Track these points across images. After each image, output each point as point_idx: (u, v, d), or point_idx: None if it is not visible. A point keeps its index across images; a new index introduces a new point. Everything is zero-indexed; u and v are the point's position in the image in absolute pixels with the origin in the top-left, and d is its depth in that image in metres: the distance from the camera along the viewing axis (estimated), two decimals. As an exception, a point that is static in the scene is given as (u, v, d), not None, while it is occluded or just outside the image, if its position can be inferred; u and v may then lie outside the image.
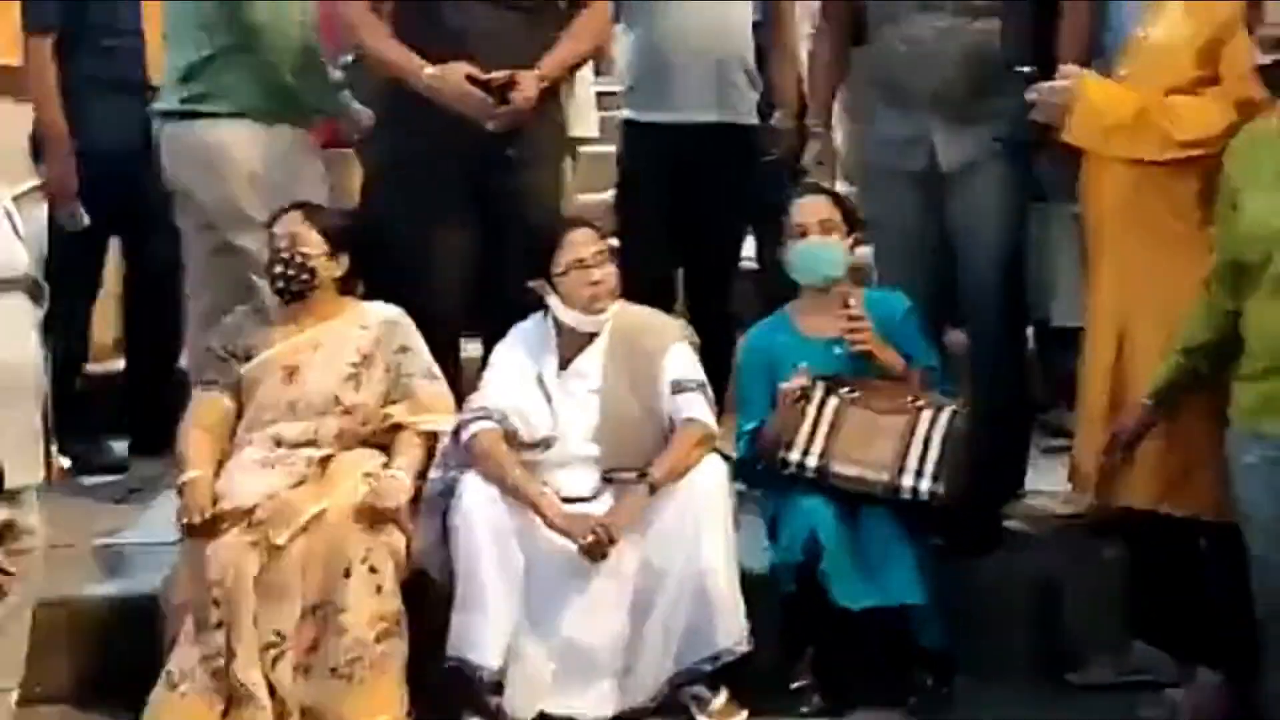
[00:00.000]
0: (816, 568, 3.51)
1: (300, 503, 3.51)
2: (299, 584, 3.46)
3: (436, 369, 3.82)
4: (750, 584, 3.62)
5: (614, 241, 3.78)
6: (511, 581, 3.55)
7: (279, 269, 3.78)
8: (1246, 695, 3.43)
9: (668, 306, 4.46)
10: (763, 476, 3.81)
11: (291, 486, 3.55)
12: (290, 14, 4.14)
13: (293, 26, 4.15)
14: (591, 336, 3.80)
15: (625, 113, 4.70)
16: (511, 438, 3.69)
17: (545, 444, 3.70)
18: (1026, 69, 3.69)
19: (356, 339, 3.80)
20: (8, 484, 3.09)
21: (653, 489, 3.58)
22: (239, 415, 3.75)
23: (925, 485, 3.63)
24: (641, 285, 4.33)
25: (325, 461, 3.66)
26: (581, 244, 3.77)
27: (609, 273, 3.77)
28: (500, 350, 3.85)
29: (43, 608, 3.62)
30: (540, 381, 3.79)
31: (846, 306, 3.72)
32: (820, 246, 3.81)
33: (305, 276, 3.79)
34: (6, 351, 3.05)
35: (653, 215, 4.52)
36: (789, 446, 3.67)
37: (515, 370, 3.80)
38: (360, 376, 3.76)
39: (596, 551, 3.53)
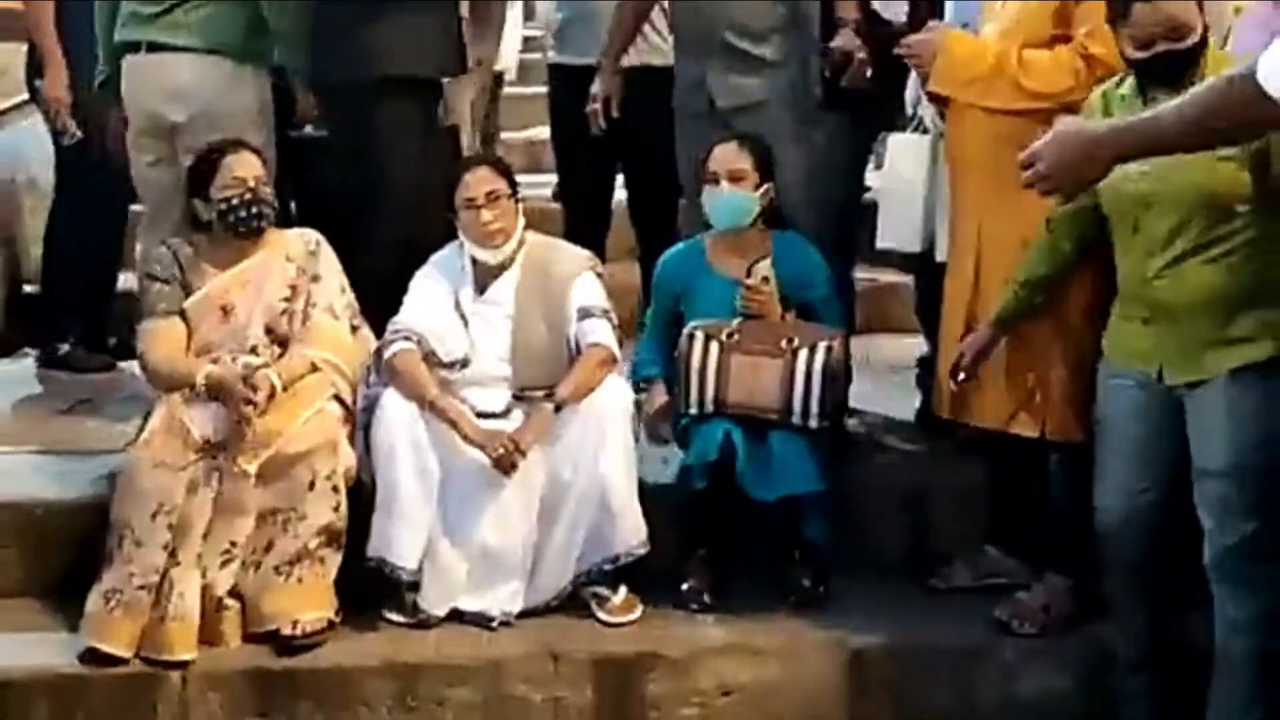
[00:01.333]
0: (728, 467, 3.67)
1: (267, 433, 3.63)
2: (256, 499, 3.61)
3: (343, 303, 3.89)
4: (647, 493, 3.79)
5: (499, 183, 3.89)
6: (428, 489, 3.67)
7: (241, 210, 3.78)
8: (1088, 595, 3.65)
9: (603, 233, 4.87)
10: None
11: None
12: None
13: None
14: (504, 266, 3.91)
15: (552, 56, 5.06)
16: (429, 358, 3.81)
17: (461, 363, 3.83)
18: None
19: (283, 272, 3.86)
20: None
21: (558, 407, 3.72)
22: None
23: (813, 423, 3.78)
24: (579, 214, 4.87)
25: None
26: (474, 184, 3.85)
27: (501, 212, 3.84)
28: (419, 277, 3.95)
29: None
30: (457, 306, 3.90)
31: (748, 282, 3.81)
32: (728, 195, 3.89)
33: (265, 214, 3.83)
34: None
35: (583, 153, 4.83)
36: (686, 403, 3.82)
37: (433, 295, 3.90)
38: (291, 310, 3.85)
39: (506, 464, 3.67)
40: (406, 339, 3.82)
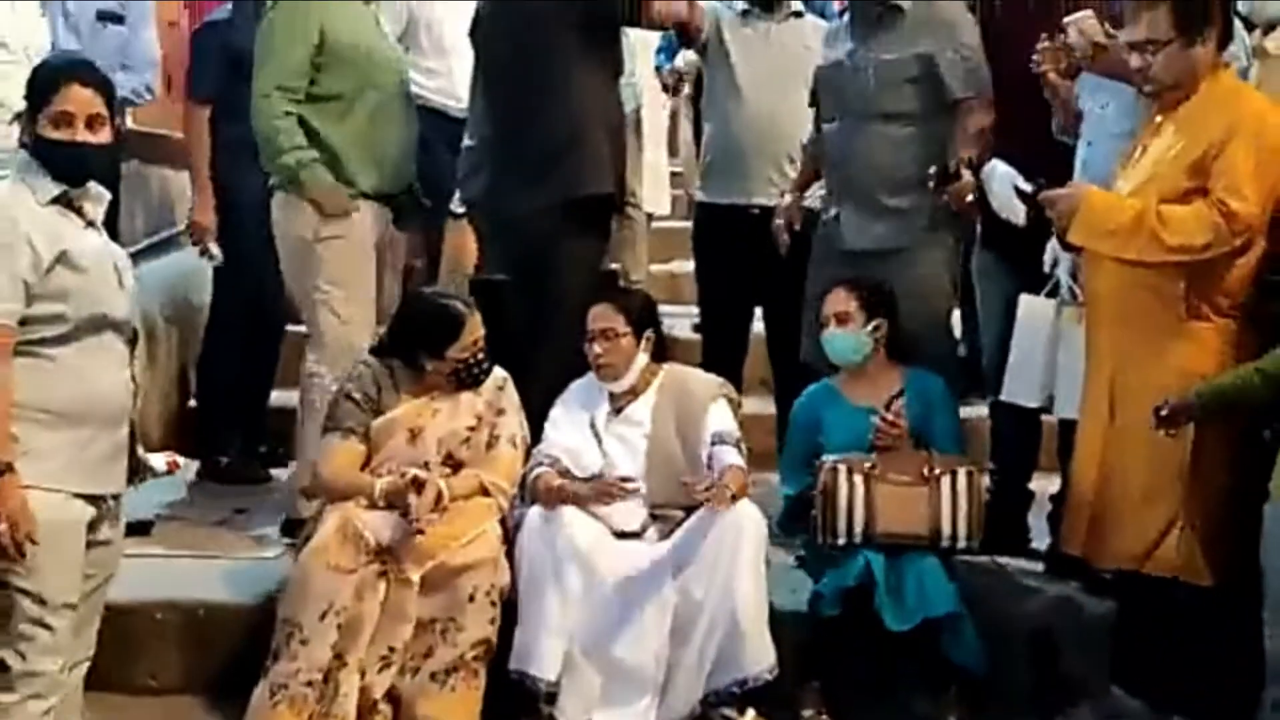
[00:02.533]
0: (863, 597, 3.72)
1: (433, 544, 3.72)
2: (418, 607, 3.70)
3: (520, 435, 3.99)
4: (774, 619, 3.81)
5: (615, 321, 3.98)
6: (568, 602, 3.75)
7: (475, 369, 3.92)
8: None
9: (739, 365, 4.91)
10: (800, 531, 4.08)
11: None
12: None
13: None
14: (637, 390, 4.01)
15: (699, 195, 5.15)
16: (565, 475, 3.92)
17: (596, 478, 3.90)
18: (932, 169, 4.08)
19: (471, 404, 3.98)
20: (98, 491, 3.20)
21: (732, 494, 3.74)
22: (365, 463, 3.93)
23: (961, 544, 3.90)
24: (717, 346, 4.95)
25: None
26: (593, 318, 4.00)
27: (611, 348, 3.96)
28: (558, 403, 4.08)
29: (161, 609, 4.01)
30: (592, 425, 4.00)
31: (887, 417, 3.91)
32: (837, 338, 4.05)
33: (488, 372, 3.98)
34: (103, 384, 3.16)
35: (725, 287, 4.98)
36: (833, 534, 3.88)
37: (567, 419, 4.03)
38: (472, 439, 3.96)
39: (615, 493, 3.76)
40: (540, 464, 3.94)
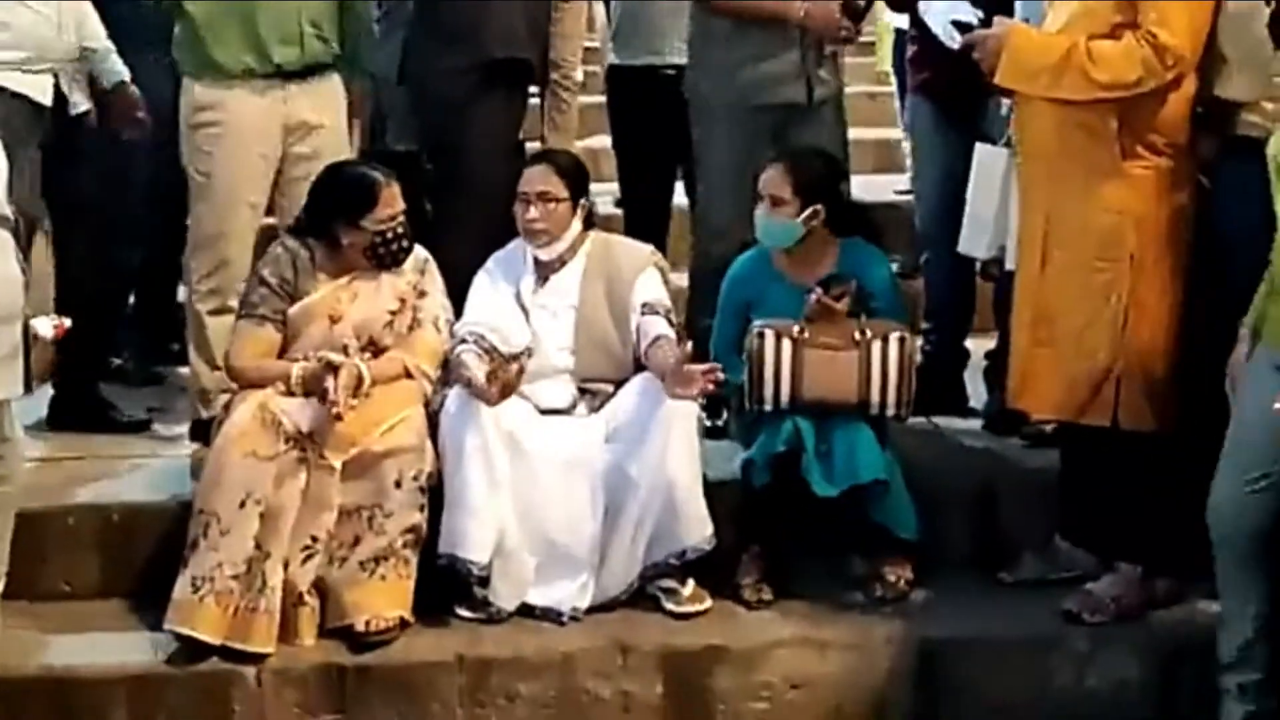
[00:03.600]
0: (793, 462, 3.66)
1: (354, 430, 3.64)
2: (339, 495, 3.62)
3: (444, 317, 3.90)
4: (710, 489, 3.76)
5: (553, 184, 3.88)
6: (496, 483, 3.67)
7: (394, 244, 3.80)
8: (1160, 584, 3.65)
9: (662, 238, 4.78)
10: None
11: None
12: None
13: None
14: (565, 259, 3.91)
15: (610, 58, 5.01)
16: (491, 352, 3.80)
17: (525, 354, 3.78)
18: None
19: (392, 286, 3.88)
20: None
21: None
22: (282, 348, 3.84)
23: (890, 411, 3.81)
24: (640, 219, 4.82)
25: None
26: (529, 178, 3.88)
27: (545, 213, 3.84)
28: (480, 274, 3.96)
29: (73, 512, 3.90)
30: (519, 298, 3.90)
31: (824, 299, 3.82)
32: (769, 223, 3.92)
33: (407, 248, 3.85)
34: None
35: (644, 158, 4.86)
36: (760, 399, 3.80)
37: (493, 291, 3.91)
38: (394, 322, 3.86)
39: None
40: (463, 341, 3.83)
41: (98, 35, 4.31)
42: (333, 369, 3.66)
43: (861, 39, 4.75)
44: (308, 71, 4.26)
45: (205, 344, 4.22)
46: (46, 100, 4.15)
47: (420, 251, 3.93)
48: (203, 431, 4.05)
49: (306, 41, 4.22)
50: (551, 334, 3.90)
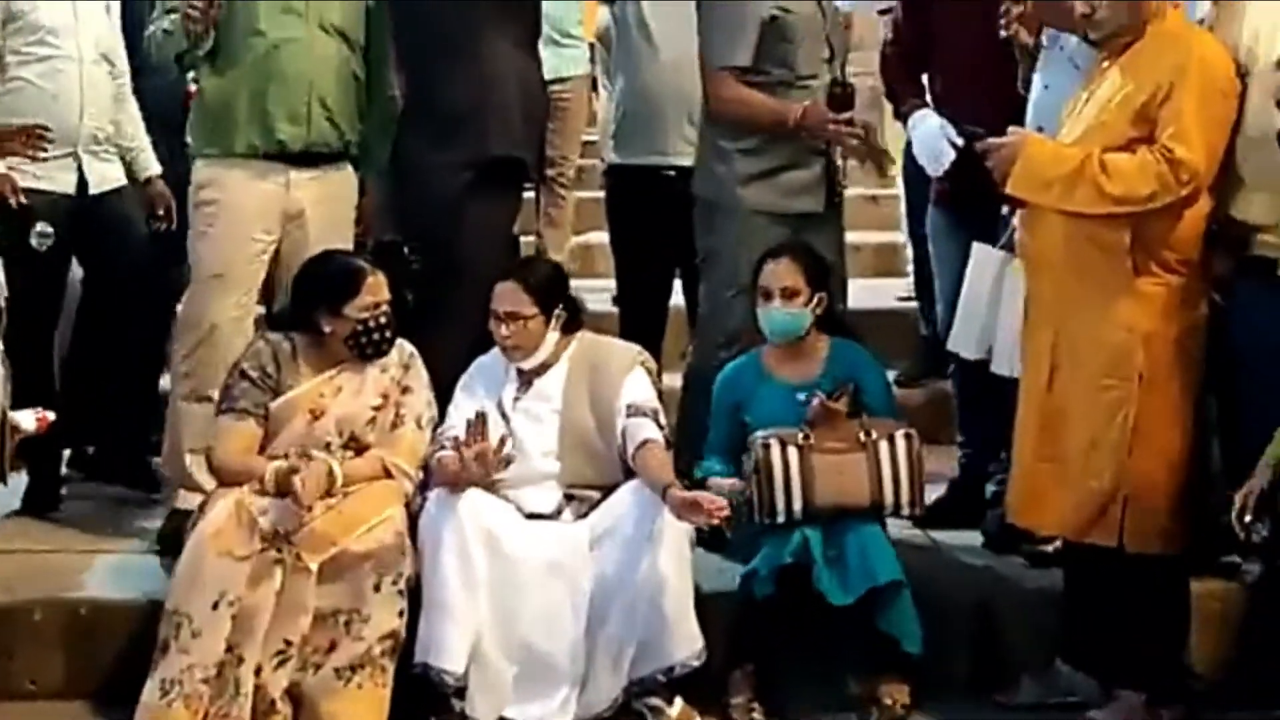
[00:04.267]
0: (799, 574, 3.60)
1: (330, 531, 3.57)
2: (315, 598, 3.53)
3: (427, 415, 3.83)
4: (701, 601, 3.67)
5: (521, 303, 3.80)
6: (475, 589, 3.58)
7: (375, 334, 3.75)
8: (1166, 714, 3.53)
9: (658, 338, 4.77)
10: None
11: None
12: None
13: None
14: (548, 363, 3.85)
15: (610, 156, 5.01)
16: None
17: (504, 462, 3.71)
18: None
19: (376, 381, 3.81)
20: None
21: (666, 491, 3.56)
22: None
23: (906, 510, 3.77)
24: (635, 318, 4.83)
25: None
26: (498, 296, 3.82)
27: (517, 331, 3.78)
28: (460, 386, 3.91)
29: (39, 607, 3.80)
30: (500, 406, 3.83)
31: (829, 404, 3.78)
32: (781, 313, 3.88)
33: (391, 340, 3.80)
34: None
35: (642, 256, 4.85)
36: (771, 512, 3.73)
37: (472, 400, 3.85)
38: (377, 419, 3.79)
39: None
40: (443, 446, 3.76)
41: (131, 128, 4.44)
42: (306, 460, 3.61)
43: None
44: (315, 158, 4.20)
45: (176, 432, 4.14)
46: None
47: (405, 346, 3.87)
48: (173, 539, 3.92)
49: (314, 121, 4.15)
50: (535, 439, 3.82)
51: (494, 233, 4.33)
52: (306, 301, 3.81)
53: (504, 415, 3.83)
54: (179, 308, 4.25)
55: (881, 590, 3.62)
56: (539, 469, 3.80)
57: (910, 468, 3.75)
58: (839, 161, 4.28)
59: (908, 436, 3.77)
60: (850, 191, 4.68)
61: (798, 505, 3.73)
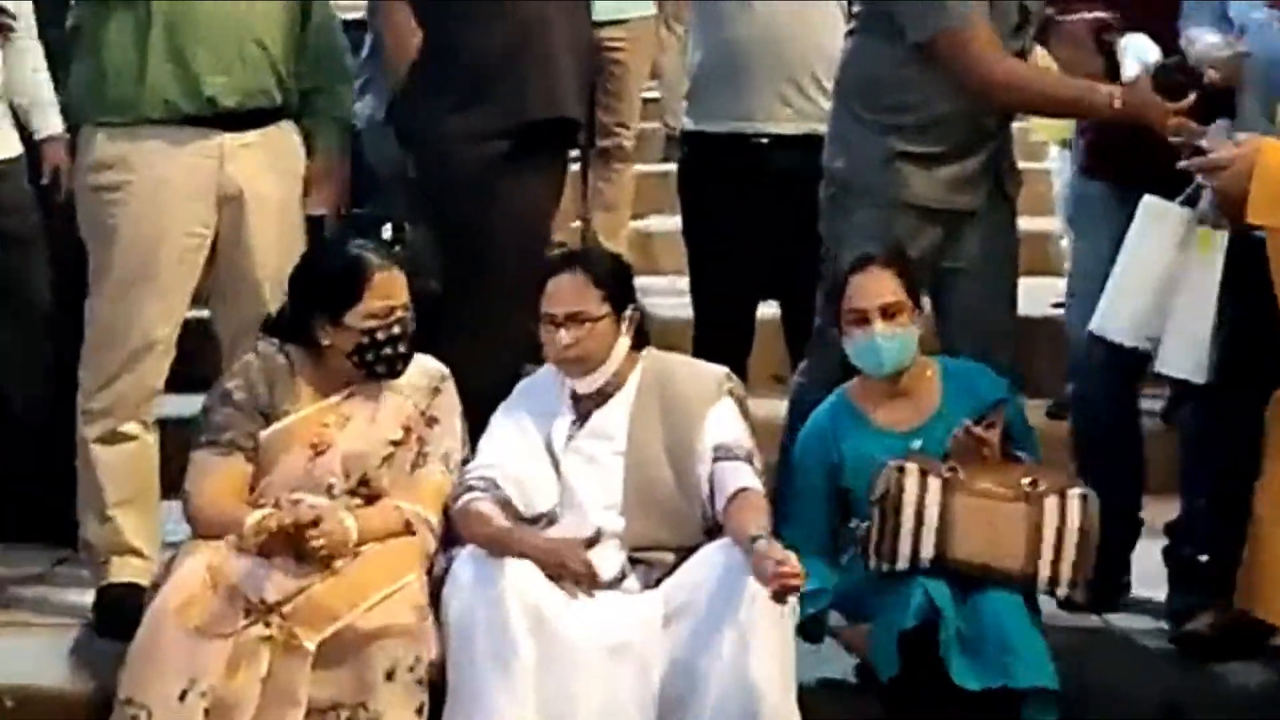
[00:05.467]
0: (928, 644, 3.59)
1: (333, 602, 3.57)
2: (311, 687, 3.54)
3: (458, 455, 3.85)
4: (802, 696, 3.65)
5: (588, 301, 3.81)
6: (515, 677, 3.56)
7: (388, 347, 3.78)
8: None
9: (744, 354, 4.79)
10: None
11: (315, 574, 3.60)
12: None
13: None
14: (609, 391, 3.85)
15: (686, 121, 5.01)
16: (506, 509, 3.76)
17: (548, 521, 3.75)
18: None
19: (396, 410, 3.83)
20: None
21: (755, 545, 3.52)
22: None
23: (1062, 590, 3.75)
24: (714, 329, 4.85)
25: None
26: (556, 296, 3.80)
27: (584, 336, 3.77)
28: (501, 409, 3.91)
29: None
30: (549, 445, 3.84)
31: (976, 431, 3.77)
32: (886, 339, 3.88)
33: (408, 354, 3.82)
34: None
35: (724, 247, 4.82)
36: (889, 555, 3.72)
37: (515, 431, 3.85)
38: (395, 456, 3.81)
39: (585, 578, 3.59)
40: (471, 489, 3.77)
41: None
42: (309, 520, 3.58)
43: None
44: (253, 117, 4.15)
45: (92, 484, 4.12)
46: None
47: (435, 366, 3.89)
48: (113, 617, 3.96)
49: (250, 65, 4.12)
50: (593, 488, 3.81)
51: (534, 218, 4.37)
52: (302, 306, 3.82)
53: (553, 458, 3.83)
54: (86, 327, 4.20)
55: (1023, 692, 3.58)
56: (598, 526, 3.75)
57: (1081, 537, 3.72)
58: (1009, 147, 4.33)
59: (1084, 499, 3.74)
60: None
61: (927, 552, 3.71)
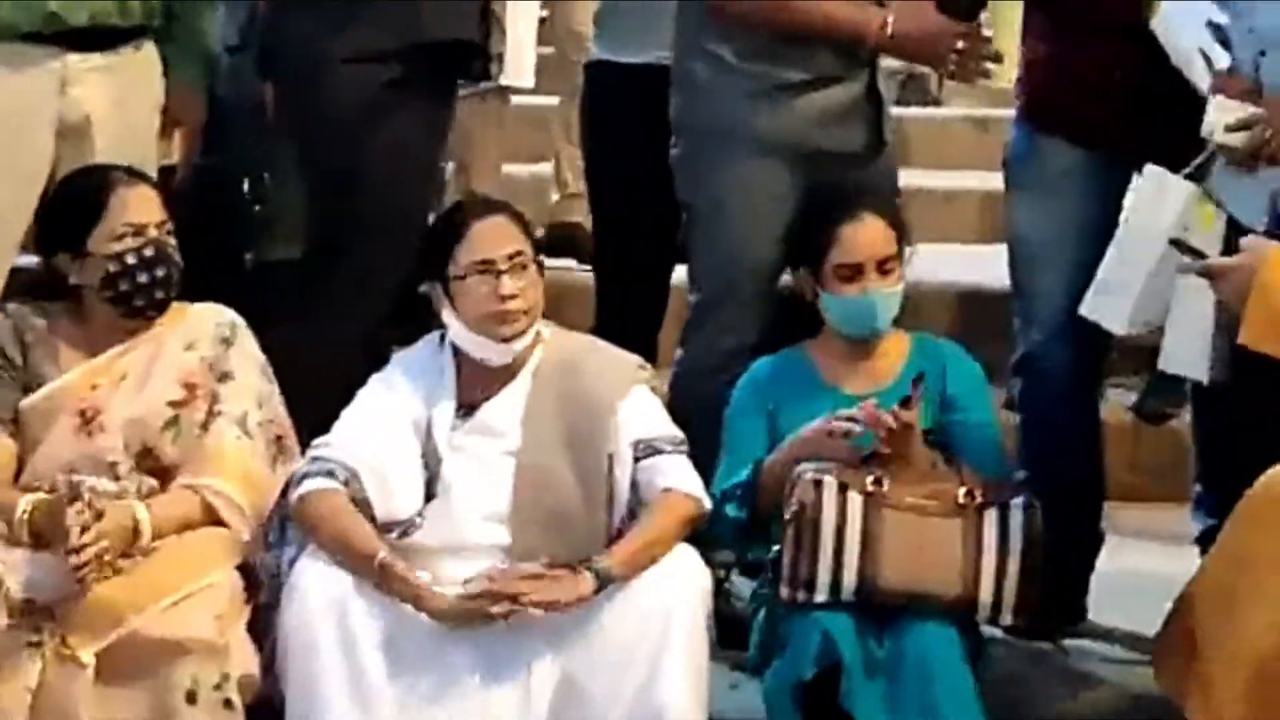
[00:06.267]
0: (830, 688, 3.45)
1: (116, 603, 3.38)
2: (94, 706, 3.37)
3: (257, 416, 3.65)
4: None
5: (524, 241, 3.67)
6: (366, 699, 3.38)
7: (141, 273, 3.58)
8: None
9: (655, 321, 4.71)
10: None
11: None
12: None
13: None
14: (507, 373, 3.63)
15: (594, 51, 4.88)
16: (362, 509, 3.52)
17: (406, 529, 3.53)
18: None
19: (178, 365, 3.63)
20: None
21: (603, 583, 3.38)
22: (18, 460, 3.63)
23: (1006, 618, 3.59)
24: (620, 292, 4.73)
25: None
26: (490, 238, 3.60)
27: (528, 284, 3.61)
28: (372, 382, 3.69)
29: None
30: (427, 436, 3.63)
31: (905, 407, 3.58)
32: (882, 295, 3.76)
33: (172, 279, 3.63)
34: None
35: (635, 192, 4.58)
36: (805, 584, 3.51)
37: (386, 413, 3.63)
38: (181, 421, 3.59)
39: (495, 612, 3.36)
40: (328, 473, 3.51)
41: None
42: (81, 501, 3.39)
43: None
44: (104, 36, 4.00)
45: None
46: None
47: (224, 312, 3.71)
48: None
49: None
50: (475, 493, 3.58)
51: (424, 156, 4.25)
52: (44, 244, 3.67)
53: (429, 453, 3.62)
54: None
55: None
56: (477, 538, 3.56)
57: (1025, 554, 3.54)
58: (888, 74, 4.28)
59: (1028, 508, 3.56)
60: (943, 112, 4.43)
61: (850, 579, 3.51)
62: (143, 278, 3.56)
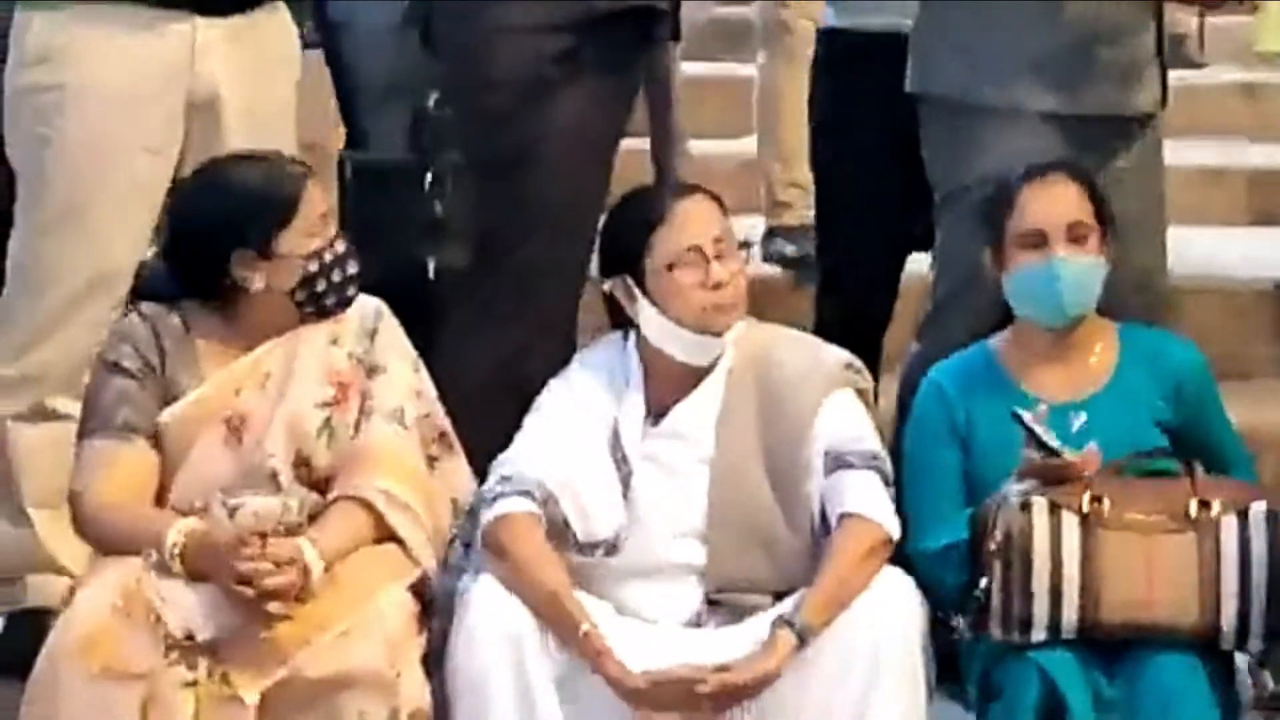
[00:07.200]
0: None
1: (281, 638, 3.28)
2: None
3: (414, 410, 3.50)
4: None
5: (727, 226, 3.52)
6: None
7: (334, 271, 3.47)
8: None
9: (884, 317, 4.56)
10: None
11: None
12: None
13: None
14: (699, 375, 3.45)
15: (828, 17, 4.74)
16: (557, 532, 3.37)
17: (609, 547, 3.37)
18: None
19: (325, 362, 3.49)
20: None
21: (803, 639, 3.21)
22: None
23: (1255, 643, 3.32)
24: (844, 289, 4.58)
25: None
26: (698, 223, 3.43)
27: (736, 272, 3.44)
28: (554, 389, 3.54)
29: None
30: (615, 444, 3.46)
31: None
32: (1069, 266, 3.49)
33: (360, 273, 3.54)
34: None
35: (864, 180, 4.48)
36: (1020, 625, 3.30)
37: (573, 424, 3.49)
38: (334, 423, 3.45)
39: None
40: (523, 493, 3.35)
41: None
42: (255, 532, 3.26)
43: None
44: None
45: (6, 475, 3.87)
46: None
47: (369, 302, 3.57)
48: (18, 649, 3.59)
49: None
50: (667, 508, 3.42)
51: (602, 138, 4.05)
52: (204, 248, 3.44)
53: (620, 463, 3.47)
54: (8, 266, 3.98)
55: None
56: (670, 556, 3.42)
57: (1272, 568, 3.30)
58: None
59: (1271, 515, 3.31)
60: (1198, 78, 4.23)
61: (1070, 616, 3.31)
62: (336, 276, 3.45)
